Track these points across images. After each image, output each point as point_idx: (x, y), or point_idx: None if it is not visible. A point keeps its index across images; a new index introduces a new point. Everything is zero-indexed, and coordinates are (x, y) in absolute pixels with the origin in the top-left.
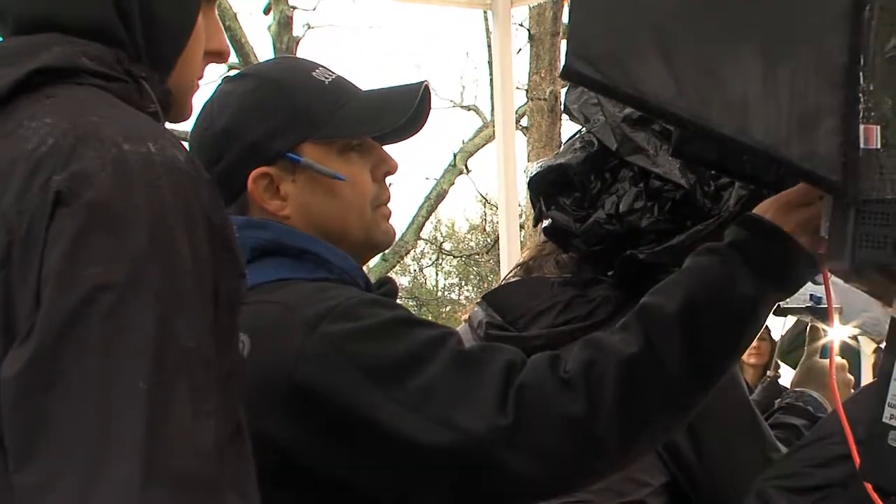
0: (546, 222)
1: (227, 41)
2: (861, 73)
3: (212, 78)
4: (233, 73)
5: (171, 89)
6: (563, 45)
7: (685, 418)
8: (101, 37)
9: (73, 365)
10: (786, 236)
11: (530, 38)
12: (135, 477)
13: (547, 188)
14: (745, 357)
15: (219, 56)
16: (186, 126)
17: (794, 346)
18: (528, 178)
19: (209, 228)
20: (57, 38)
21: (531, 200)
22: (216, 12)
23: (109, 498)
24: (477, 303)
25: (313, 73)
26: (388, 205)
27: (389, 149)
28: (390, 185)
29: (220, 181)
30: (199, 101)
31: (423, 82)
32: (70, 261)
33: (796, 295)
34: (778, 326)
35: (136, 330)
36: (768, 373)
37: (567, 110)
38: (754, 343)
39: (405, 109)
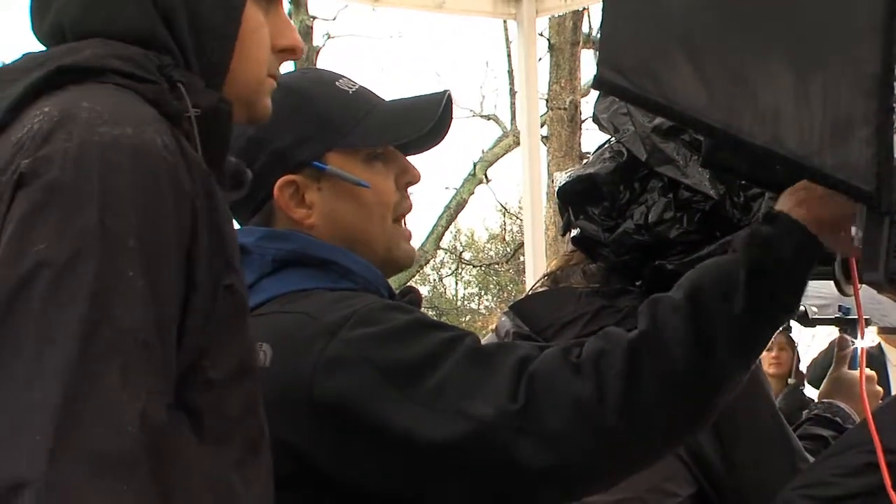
0: (574, 232)
1: (299, 37)
2: (894, 83)
3: None
4: None
5: (225, 97)
6: (584, 54)
7: (699, 413)
8: (147, 43)
9: (7, 339)
10: (793, 221)
11: (550, 47)
12: (45, 447)
13: (576, 198)
14: (765, 367)
15: (291, 52)
16: None
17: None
18: (557, 188)
19: (189, 215)
20: (95, 42)
21: (560, 210)
22: (283, 10)
23: (17, 468)
24: (504, 312)
25: (337, 83)
26: (408, 224)
27: (411, 158)
28: (412, 194)
29: (249, 191)
30: None
31: (445, 91)
32: (19, 238)
33: (825, 306)
34: (803, 338)
35: (70, 306)
36: (790, 380)
37: (596, 120)
38: (774, 353)
39: (429, 118)
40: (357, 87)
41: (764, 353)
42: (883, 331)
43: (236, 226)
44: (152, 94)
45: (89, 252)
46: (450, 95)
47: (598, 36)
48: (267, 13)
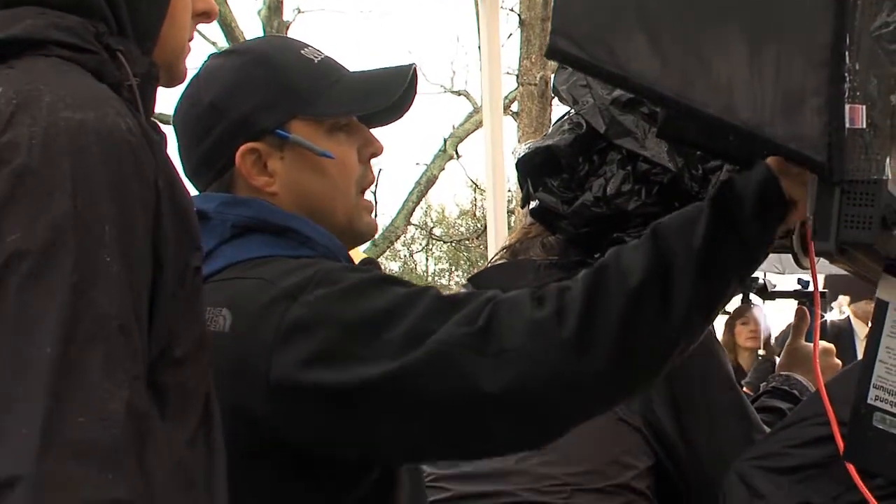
0: (533, 204)
1: (214, 1)
2: (847, 53)
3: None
4: None
5: (155, 61)
6: None
7: (658, 350)
8: (81, 10)
9: None
10: (762, 162)
11: (521, 23)
12: (33, 441)
13: (534, 169)
14: (742, 341)
15: (206, 16)
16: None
17: None
18: (516, 160)
19: (153, 196)
20: (30, 11)
21: (519, 182)
22: None
23: (7, 463)
24: (463, 285)
25: (302, 52)
26: (370, 195)
27: (379, 132)
28: (374, 167)
29: (207, 157)
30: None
31: (411, 64)
32: None
33: (785, 279)
34: (770, 313)
35: (50, 295)
36: (759, 352)
37: (556, 91)
38: (751, 326)
39: (395, 90)
40: (322, 56)
41: (740, 326)
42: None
43: (195, 192)
44: (94, 64)
45: (65, 240)
46: (416, 69)
47: (552, 3)
48: None
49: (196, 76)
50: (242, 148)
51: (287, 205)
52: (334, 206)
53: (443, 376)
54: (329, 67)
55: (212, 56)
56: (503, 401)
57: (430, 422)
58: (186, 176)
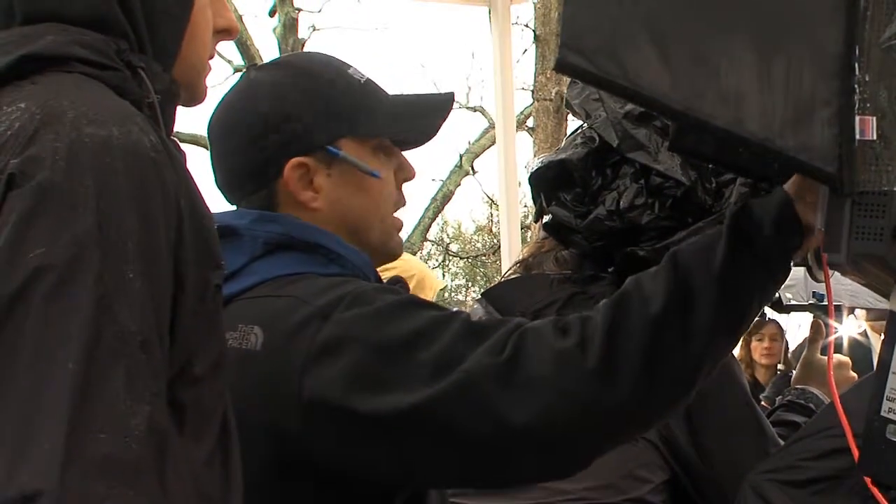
0: (546, 218)
1: (235, 17)
2: (857, 64)
3: (218, 80)
4: (238, 75)
5: (175, 78)
6: None
7: (681, 374)
8: (103, 28)
9: (7, 346)
10: (783, 193)
11: (536, 38)
12: (55, 456)
13: (547, 184)
14: (757, 357)
15: (227, 33)
16: (191, 128)
17: None
18: (529, 174)
19: (175, 214)
20: (53, 28)
21: (532, 196)
22: None
23: (30, 477)
24: (477, 300)
25: (349, 70)
26: (400, 214)
27: None
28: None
29: (254, 167)
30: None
31: (451, 94)
32: (15, 242)
33: (799, 292)
34: (790, 328)
35: (74, 311)
36: (779, 367)
37: (568, 105)
38: (766, 344)
39: (439, 116)
40: (366, 77)
41: (755, 342)
42: (869, 316)
43: (231, 208)
44: (116, 81)
45: (88, 256)
46: (454, 98)
47: (560, 18)
48: None
49: (240, 86)
50: (293, 161)
51: (328, 221)
52: (372, 224)
53: (471, 407)
54: (374, 88)
55: (254, 68)
56: (530, 431)
57: (457, 451)
58: (218, 186)
